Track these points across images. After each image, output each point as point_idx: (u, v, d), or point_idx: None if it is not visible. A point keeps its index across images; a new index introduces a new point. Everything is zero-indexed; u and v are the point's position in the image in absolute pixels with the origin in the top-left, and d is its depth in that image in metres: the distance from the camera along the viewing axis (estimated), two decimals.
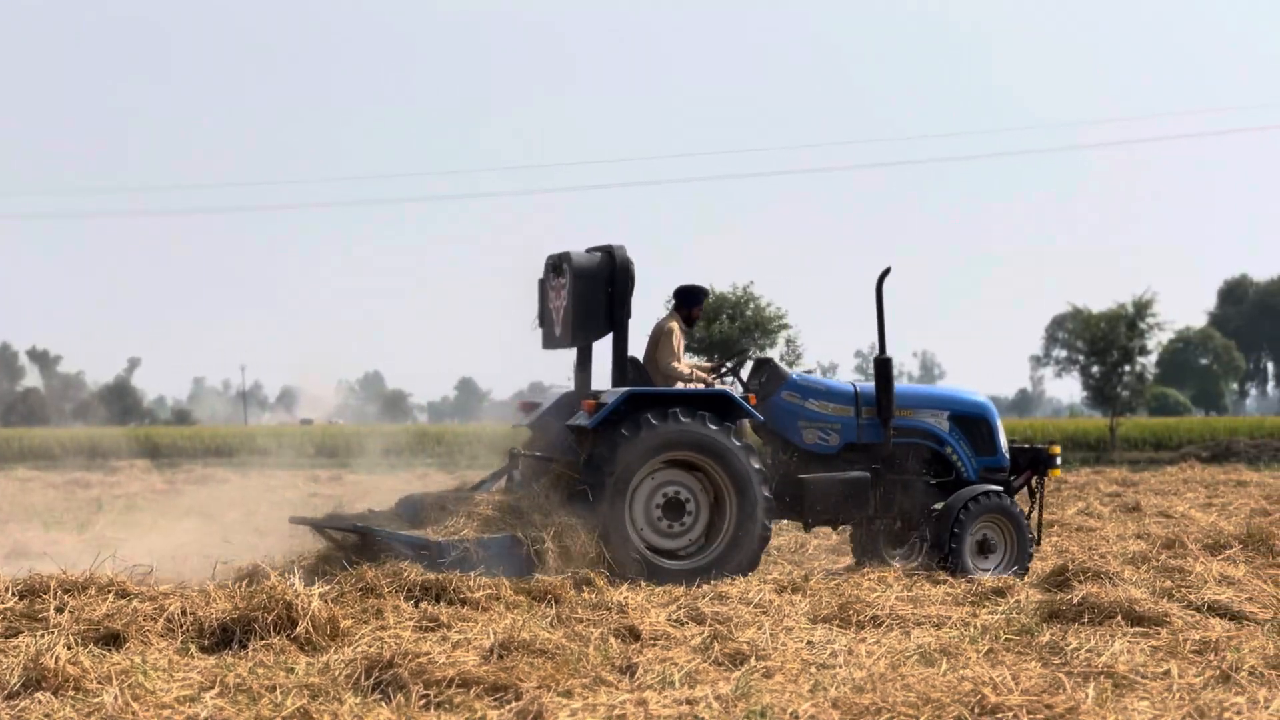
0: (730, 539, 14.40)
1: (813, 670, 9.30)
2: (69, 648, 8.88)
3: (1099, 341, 56.94)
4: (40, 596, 10.64)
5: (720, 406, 14.68)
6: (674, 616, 11.06)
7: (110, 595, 10.69)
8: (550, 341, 15.63)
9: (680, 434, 14.39)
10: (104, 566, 11.77)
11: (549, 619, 10.87)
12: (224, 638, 9.80)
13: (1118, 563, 13.16)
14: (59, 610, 10.28)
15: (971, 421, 16.08)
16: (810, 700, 8.30)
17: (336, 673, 8.82)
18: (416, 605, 11.10)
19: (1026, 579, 13.48)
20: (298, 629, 9.75)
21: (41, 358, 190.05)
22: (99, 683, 8.39)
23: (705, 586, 12.78)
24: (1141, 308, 56.09)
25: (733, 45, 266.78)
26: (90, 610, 10.18)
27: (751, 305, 54.79)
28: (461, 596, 11.38)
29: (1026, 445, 16.43)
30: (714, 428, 14.42)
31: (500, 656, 9.18)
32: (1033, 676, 8.67)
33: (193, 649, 9.60)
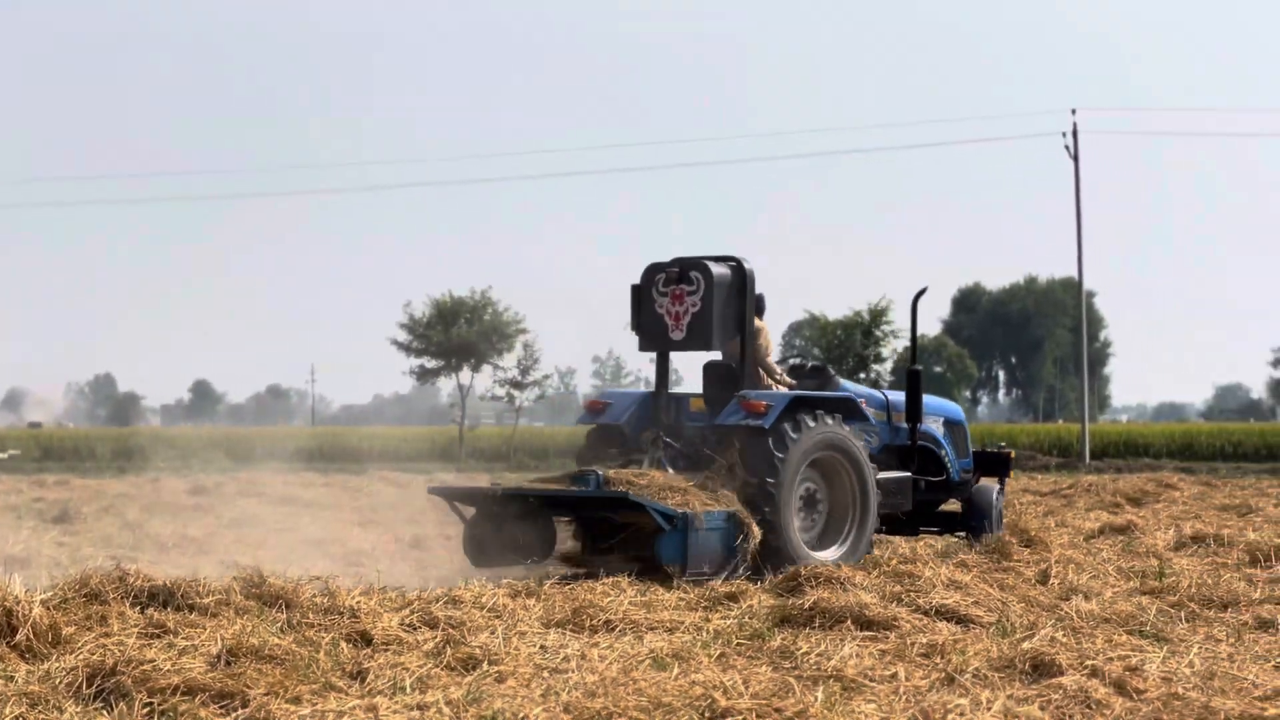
0: (854, 537, 15.99)
1: (545, 675, 9.29)
2: None
3: (835, 349, 57.68)
4: None
5: (847, 410, 16.37)
6: (406, 621, 10.96)
7: None
8: (663, 344, 16.87)
9: (831, 436, 15.94)
10: None
11: (279, 625, 10.72)
12: None
13: (849, 568, 13.33)
14: None
15: (956, 426, 18.08)
16: (542, 705, 8.30)
17: (57, 681, 8.62)
18: (143, 612, 10.86)
19: (760, 584, 13.59)
20: (17, 636, 9.48)
21: None
22: None
23: (439, 590, 12.69)
24: (877, 315, 56.97)
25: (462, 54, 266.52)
26: None
27: (490, 310, 54.84)
28: (190, 602, 11.15)
29: (983, 449, 18.68)
30: (861, 438, 16.31)
31: (228, 664, 9.04)
32: (763, 680, 8.76)
33: None
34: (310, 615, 11.06)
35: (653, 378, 17.43)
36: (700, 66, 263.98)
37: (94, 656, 9.06)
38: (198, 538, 18.95)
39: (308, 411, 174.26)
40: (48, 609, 9.89)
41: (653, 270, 16.83)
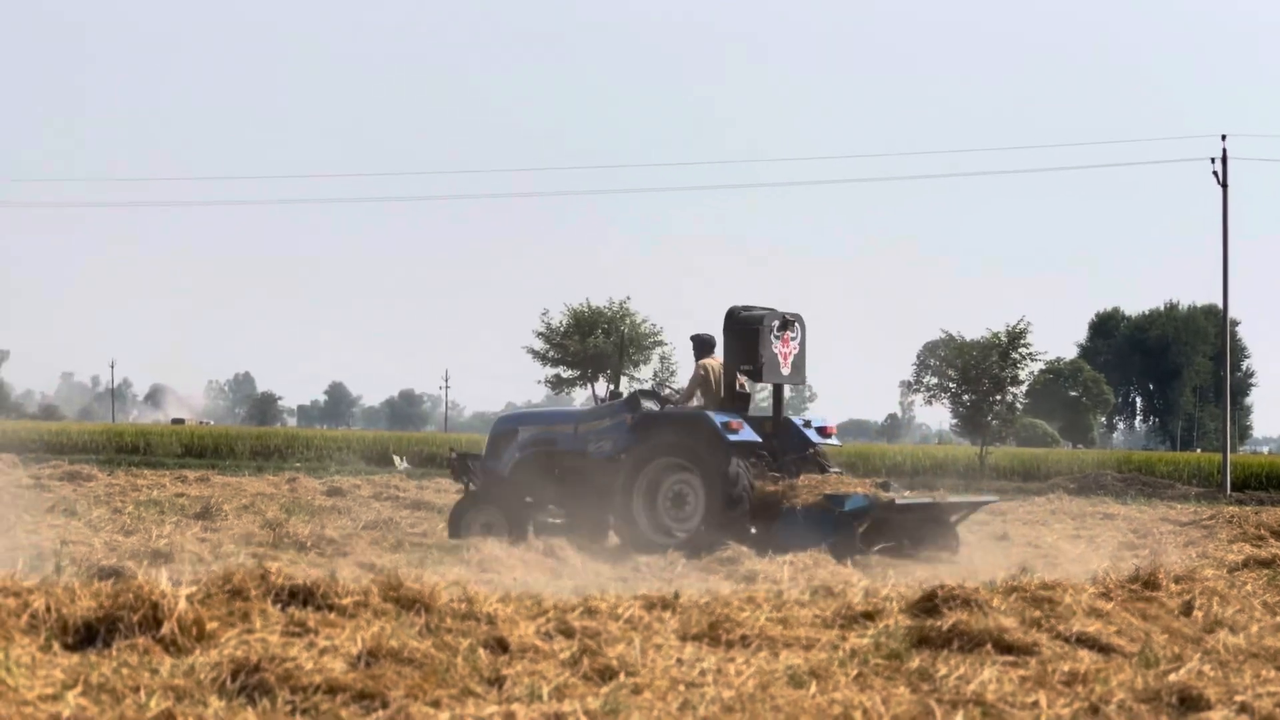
0: None
1: (681, 688, 9.25)
2: None
3: (971, 369, 57.14)
4: None
5: None
6: (543, 630, 10.97)
7: None
8: (776, 377, 21.19)
9: None
10: None
11: (417, 628, 10.75)
12: (88, 636, 9.60)
13: (987, 591, 13.18)
14: None
15: None
16: (678, 718, 8.27)
17: (202, 675, 8.69)
18: (284, 610, 10.93)
19: (895, 604, 13.43)
20: (163, 629, 9.57)
21: None
22: None
23: (575, 600, 12.67)
24: (1015, 338, 56.37)
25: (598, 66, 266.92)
26: None
27: (627, 321, 54.85)
28: (330, 603, 11.21)
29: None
30: None
31: (368, 664, 9.08)
32: (902, 702, 8.69)
33: (56, 646, 9.41)
34: (448, 620, 11.08)
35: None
36: (844, 83, 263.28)
37: (237, 652, 9.13)
38: (335, 538, 19.07)
39: (440, 417, 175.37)
40: (192, 604, 9.98)
41: (769, 316, 20.84)
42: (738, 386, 20.96)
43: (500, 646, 10.25)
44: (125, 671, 8.68)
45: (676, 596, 13.08)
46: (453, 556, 18.10)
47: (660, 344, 54.99)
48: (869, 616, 12.47)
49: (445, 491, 32.00)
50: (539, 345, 55.11)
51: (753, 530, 19.71)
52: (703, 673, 9.72)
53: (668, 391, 21.91)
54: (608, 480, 20.79)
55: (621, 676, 9.41)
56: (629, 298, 54.33)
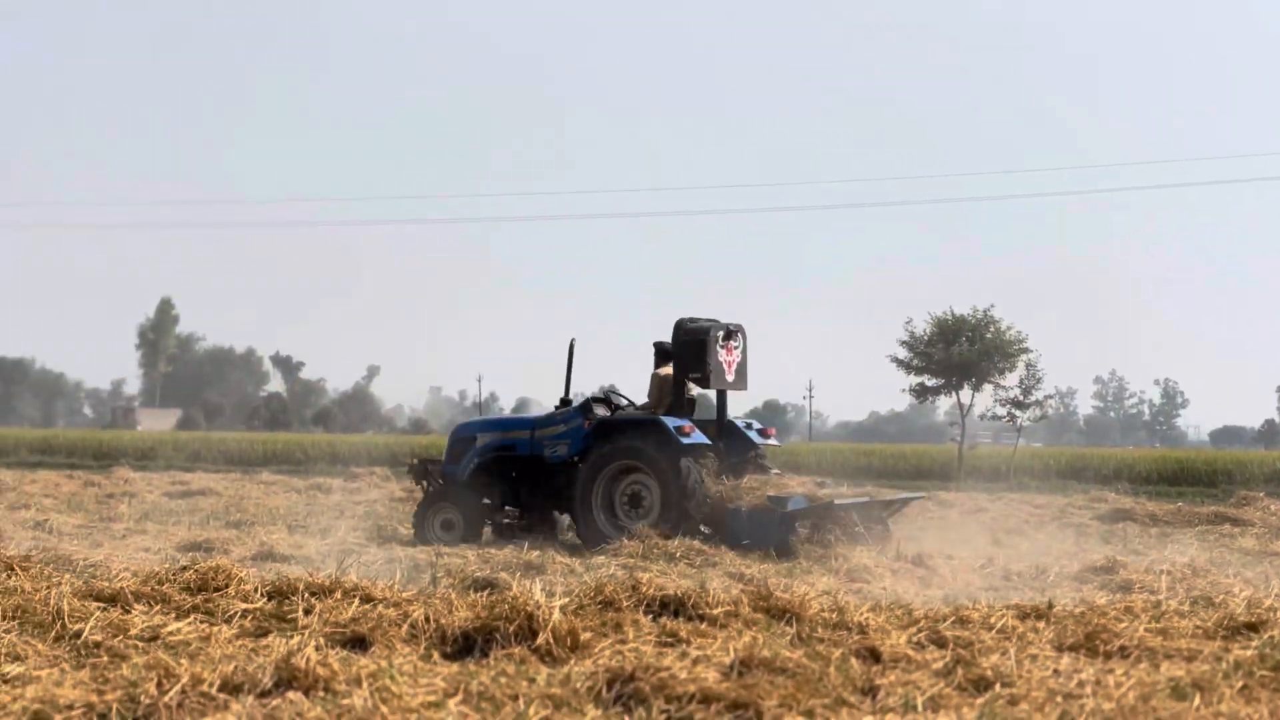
0: None
1: (1059, 700, 9.06)
2: (318, 649, 8.96)
3: None
4: (289, 598, 10.83)
5: None
6: (914, 639, 10.87)
7: (356, 600, 10.81)
8: (721, 384, 22.52)
9: None
10: (349, 571, 11.90)
11: (789, 638, 10.75)
12: (466, 645, 9.84)
13: None
14: (307, 612, 10.45)
15: None
16: None
17: (577, 684, 8.78)
18: (655, 620, 11.03)
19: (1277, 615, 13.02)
20: (538, 640, 9.74)
21: (285, 364, 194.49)
22: (347, 684, 8.44)
23: (946, 609, 12.51)
24: None
25: (903, 70, 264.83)
26: (337, 613, 10.31)
27: (991, 329, 54.04)
28: (700, 613, 11.29)
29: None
30: None
31: (740, 674, 9.08)
32: None
33: (435, 656, 9.65)
34: (819, 630, 11.06)
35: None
36: (1180, 88, 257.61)
37: (612, 662, 9.22)
38: (704, 550, 19.18)
39: (804, 427, 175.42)
40: (566, 615, 10.13)
41: (714, 327, 22.14)
42: (687, 393, 22.43)
43: (872, 656, 10.17)
44: (503, 680, 8.82)
45: (1050, 606, 12.83)
46: (821, 566, 18.07)
47: (1025, 351, 53.88)
48: (1252, 628, 12.07)
49: None
50: (903, 354, 54.53)
51: (703, 530, 21.11)
52: (1081, 684, 9.51)
53: (620, 399, 23.04)
54: (564, 482, 22.29)
55: (997, 687, 9.26)
56: (993, 305, 53.42)
